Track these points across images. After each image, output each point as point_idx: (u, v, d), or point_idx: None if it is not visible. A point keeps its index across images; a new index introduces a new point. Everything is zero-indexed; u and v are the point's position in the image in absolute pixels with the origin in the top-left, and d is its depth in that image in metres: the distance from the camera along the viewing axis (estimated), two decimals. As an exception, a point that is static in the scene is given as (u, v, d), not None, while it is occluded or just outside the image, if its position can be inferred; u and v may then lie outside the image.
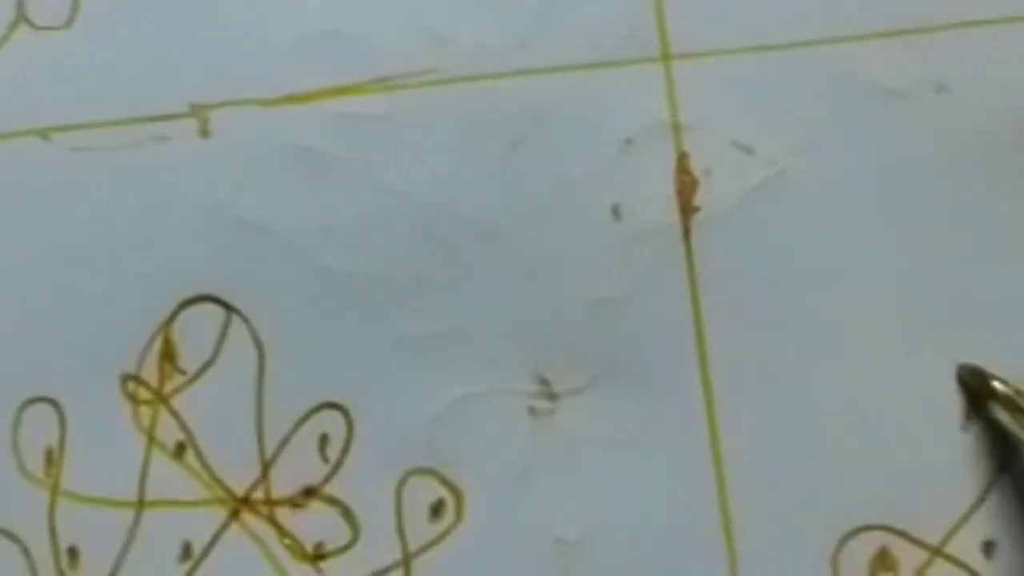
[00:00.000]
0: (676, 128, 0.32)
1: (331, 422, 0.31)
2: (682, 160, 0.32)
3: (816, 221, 0.32)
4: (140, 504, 0.31)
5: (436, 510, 0.31)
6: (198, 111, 0.32)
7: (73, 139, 0.32)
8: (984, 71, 0.32)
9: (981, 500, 0.31)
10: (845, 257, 0.32)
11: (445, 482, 0.31)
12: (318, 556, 0.31)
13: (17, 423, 0.31)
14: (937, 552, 0.31)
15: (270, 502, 0.31)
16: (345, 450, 0.31)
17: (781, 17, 0.32)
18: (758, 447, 0.31)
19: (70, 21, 0.32)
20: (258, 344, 0.31)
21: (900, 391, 0.31)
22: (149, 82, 0.32)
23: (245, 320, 0.31)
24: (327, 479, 0.31)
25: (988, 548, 0.31)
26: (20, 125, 0.32)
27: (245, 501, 0.31)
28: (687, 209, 0.32)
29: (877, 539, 0.31)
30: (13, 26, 0.32)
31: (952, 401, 0.31)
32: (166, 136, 0.32)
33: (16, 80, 0.32)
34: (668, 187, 0.32)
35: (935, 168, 0.32)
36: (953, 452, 0.31)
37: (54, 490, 0.31)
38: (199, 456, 0.31)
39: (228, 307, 0.31)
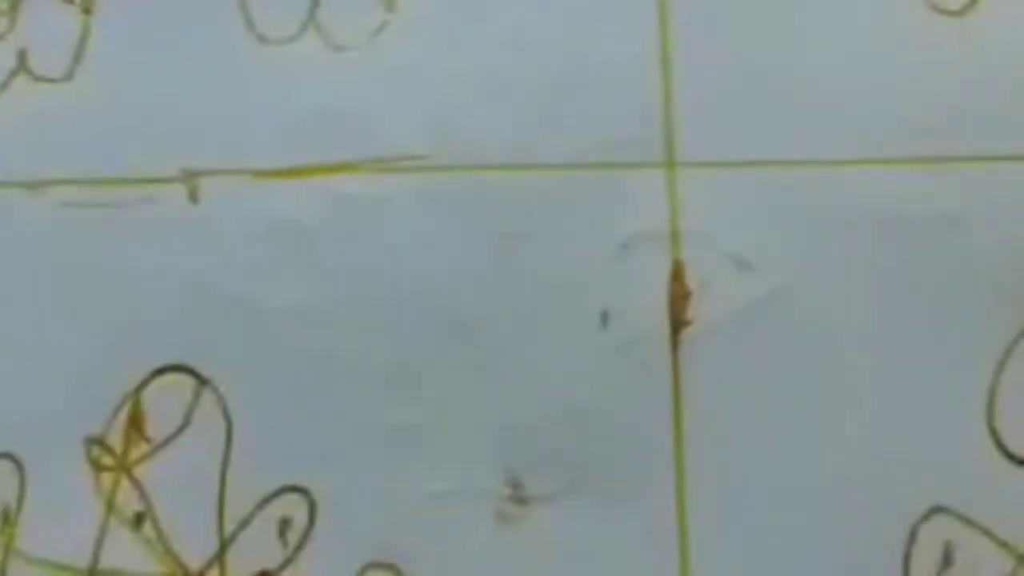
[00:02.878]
0: (674, 236, 0.35)
1: (294, 506, 0.34)
2: (677, 270, 0.35)
3: (810, 345, 0.35)
4: (92, 572, 0.34)
5: (392, 608, 0.34)
6: (189, 177, 0.35)
7: (62, 194, 0.35)
8: (1000, 208, 0.35)
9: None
10: (835, 386, 0.34)
11: (403, 579, 0.34)
12: (267, 643, 0.34)
13: (-23, 478, 0.34)
14: None
15: (224, 583, 0.34)
16: (305, 537, 0.34)
17: (792, 134, 0.35)
18: (729, 572, 0.34)
19: (70, 75, 0.35)
20: (228, 419, 0.34)
21: (880, 529, 0.34)
22: (143, 143, 0.35)
23: (217, 393, 0.34)
24: (284, 565, 0.34)
25: None
26: (10, 176, 0.35)
27: (199, 579, 0.34)
28: (678, 322, 0.35)
29: None
30: (13, 75, 0.35)
31: (935, 543, 0.34)
32: (155, 199, 0.35)
33: (10, 129, 0.35)
34: (661, 297, 0.35)
35: (940, 303, 0.35)
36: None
37: (7, 549, 0.34)
38: (157, 528, 0.34)
39: (201, 379, 0.34)
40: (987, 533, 0.34)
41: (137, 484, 0.34)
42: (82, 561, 0.34)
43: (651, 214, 0.35)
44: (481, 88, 0.35)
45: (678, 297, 0.35)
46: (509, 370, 0.34)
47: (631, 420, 0.34)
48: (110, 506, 0.34)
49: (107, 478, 0.34)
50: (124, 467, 0.34)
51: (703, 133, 0.35)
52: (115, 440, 0.34)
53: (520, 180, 0.35)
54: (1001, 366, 0.34)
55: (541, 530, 0.34)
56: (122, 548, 0.34)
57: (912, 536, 0.34)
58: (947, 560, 0.34)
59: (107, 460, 0.34)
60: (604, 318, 0.34)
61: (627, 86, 0.35)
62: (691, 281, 0.35)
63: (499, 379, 0.34)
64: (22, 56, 0.35)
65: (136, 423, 0.34)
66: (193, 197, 0.35)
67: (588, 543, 0.34)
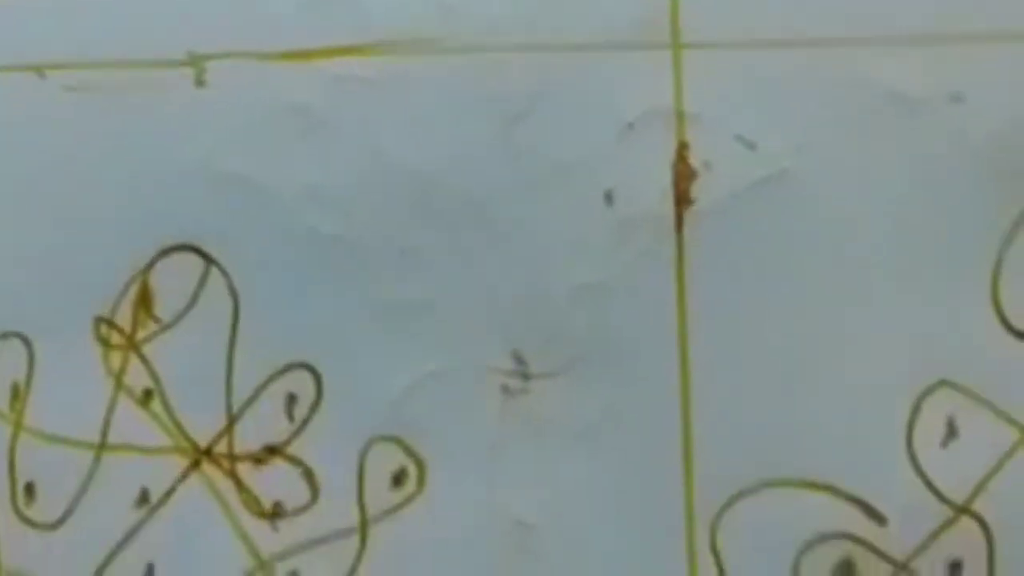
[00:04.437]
0: (680, 117, 0.37)
1: (300, 382, 0.36)
2: (682, 150, 0.36)
3: (814, 223, 0.36)
4: (102, 447, 0.36)
5: (398, 479, 0.36)
6: (195, 60, 0.37)
7: (68, 78, 0.37)
8: (1001, 85, 0.37)
9: (951, 522, 0.35)
10: (839, 263, 0.36)
11: (409, 452, 0.36)
12: (275, 514, 0.36)
13: (-14, 356, 0.36)
14: (903, 567, 0.35)
15: (232, 456, 0.36)
16: (312, 411, 0.36)
17: (797, 14, 0.37)
18: (731, 449, 0.36)
19: (76, -41, 0.37)
20: (235, 298, 0.36)
21: (883, 403, 0.36)
22: (149, 27, 0.37)
23: (224, 273, 0.36)
24: (291, 438, 0.36)
25: (955, 568, 0.35)
26: (16, 60, 0.37)
27: (207, 453, 0.36)
28: (682, 200, 0.36)
29: (841, 549, 0.35)
30: (18, -40, 0.37)
31: (937, 417, 0.36)
32: (161, 82, 0.37)
33: (15, 15, 0.37)
34: (665, 176, 0.36)
35: (943, 179, 0.36)
36: (929, 465, 0.36)
37: (17, 425, 0.36)
38: (165, 405, 0.36)
39: (208, 259, 0.36)
40: (991, 407, 0.36)
41: (145, 361, 0.36)
42: (92, 436, 0.36)
43: (657, 95, 0.37)
44: (486, -31, 0.37)
45: (683, 177, 0.36)
46: (515, 250, 0.36)
47: (635, 298, 0.36)
48: (119, 383, 0.36)
49: (116, 356, 0.36)
50: (133, 345, 0.36)
51: (709, 14, 0.37)
52: (123, 319, 0.36)
53: (527, 61, 0.37)
54: (1006, 242, 0.36)
55: (545, 405, 0.36)
56: (131, 424, 0.36)
57: (916, 409, 0.36)
58: (951, 433, 0.36)
59: (116, 338, 0.36)
60: (609, 197, 0.36)
61: (631, -34, 0.37)
62: (695, 161, 0.36)
63: (505, 257, 0.36)
64: (28, -58, 0.37)
65: (144, 302, 0.36)
66: (200, 81, 0.37)
67: (592, 418, 0.36)
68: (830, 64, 0.37)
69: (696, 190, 0.36)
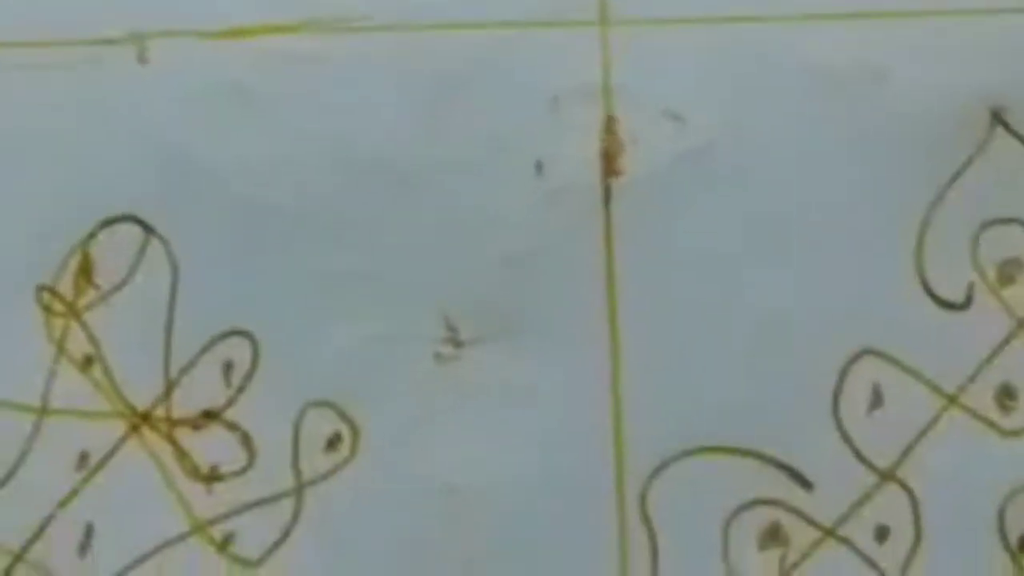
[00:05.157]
0: (607, 91, 0.38)
1: (237, 349, 0.37)
2: (609, 123, 0.38)
3: (740, 197, 0.38)
4: (43, 411, 0.37)
5: (332, 443, 0.37)
6: (136, 38, 0.38)
7: (15, 55, 0.38)
8: (924, 62, 0.38)
9: (877, 488, 0.37)
10: (764, 235, 0.37)
11: (343, 416, 0.37)
12: (212, 477, 0.37)
13: (-71, 322, 0.38)
14: (830, 533, 0.36)
15: (170, 421, 0.37)
16: (248, 377, 0.37)
17: (723, -9, 0.38)
18: (660, 417, 0.37)
19: (21, -59, 0.39)
20: (173, 267, 0.37)
21: (810, 371, 0.37)
22: (92, 6, 0.38)
23: (163, 243, 0.38)
24: (229, 404, 0.37)
25: (882, 533, 0.37)
26: (-36, 38, 0.38)
27: (146, 418, 0.37)
28: (610, 172, 0.38)
29: (769, 514, 0.37)
30: (-40, -59, 0.39)
31: (863, 384, 0.37)
32: (103, 60, 0.38)
33: (-38, -4, 0.39)
34: (594, 149, 0.38)
35: (866, 155, 0.38)
36: (855, 433, 0.37)
37: (-40, 390, 0.37)
38: (105, 370, 0.37)
39: (148, 229, 0.38)
40: (916, 375, 0.37)
41: (86, 328, 0.37)
42: (33, 401, 0.37)
43: (584, 70, 0.38)
44: (418, -51, 0.38)
45: (611, 149, 0.38)
46: (446, 220, 0.37)
47: (565, 267, 0.37)
48: (61, 349, 0.37)
49: (57, 323, 0.37)
50: (74, 312, 0.37)
51: (635, -9, 0.38)
52: (65, 288, 0.37)
53: (457, 38, 0.38)
54: (929, 212, 0.37)
55: (477, 371, 0.37)
56: (72, 389, 0.37)
57: (842, 377, 0.37)
58: (876, 401, 0.37)
59: (57, 306, 0.37)
60: (539, 168, 0.38)
61: (560, -55, 0.38)
62: (623, 134, 0.38)
63: (436, 229, 0.37)
64: (-29, -78, 0.39)
65: (85, 271, 0.37)
66: (141, 58, 0.38)
67: (523, 385, 0.37)
68: (756, 40, 0.38)
69: (624, 162, 0.37)
